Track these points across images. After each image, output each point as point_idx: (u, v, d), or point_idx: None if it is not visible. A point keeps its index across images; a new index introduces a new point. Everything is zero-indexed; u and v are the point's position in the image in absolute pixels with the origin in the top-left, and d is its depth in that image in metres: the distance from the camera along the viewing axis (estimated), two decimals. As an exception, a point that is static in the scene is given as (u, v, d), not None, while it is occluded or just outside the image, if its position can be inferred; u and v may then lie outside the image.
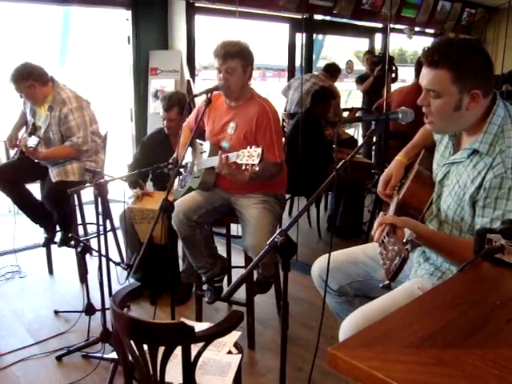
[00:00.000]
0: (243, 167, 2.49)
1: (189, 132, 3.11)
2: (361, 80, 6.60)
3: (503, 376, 0.89)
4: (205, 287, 3.21)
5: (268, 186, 2.99)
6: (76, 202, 3.86)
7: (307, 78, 5.60)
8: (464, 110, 1.70)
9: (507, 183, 1.62)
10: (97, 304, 2.90)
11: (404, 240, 1.41)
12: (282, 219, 3.21)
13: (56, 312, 3.39)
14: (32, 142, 3.47)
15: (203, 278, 3.18)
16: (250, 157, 2.47)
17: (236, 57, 2.80)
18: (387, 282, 1.40)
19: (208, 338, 1.73)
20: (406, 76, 8.45)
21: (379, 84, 6.12)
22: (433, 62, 1.67)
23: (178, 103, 3.52)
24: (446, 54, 1.65)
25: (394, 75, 5.65)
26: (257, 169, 2.45)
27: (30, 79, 3.53)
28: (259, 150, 2.44)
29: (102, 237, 2.72)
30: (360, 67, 8.90)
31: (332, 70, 5.85)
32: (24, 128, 3.94)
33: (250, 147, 2.49)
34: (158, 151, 3.51)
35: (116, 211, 3.70)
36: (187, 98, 3.60)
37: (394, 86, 5.37)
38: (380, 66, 6.04)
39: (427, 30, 7.37)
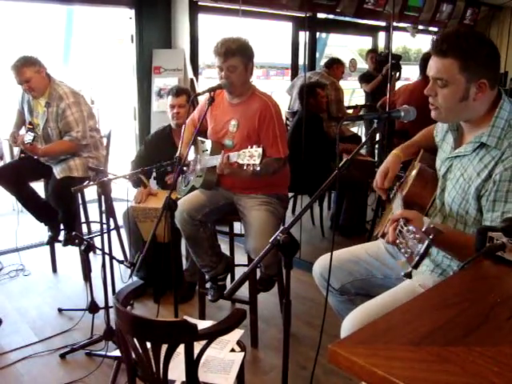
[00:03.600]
0: (244, 167, 2.50)
1: (192, 129, 3.09)
2: (365, 79, 6.55)
3: (503, 373, 0.89)
4: (208, 285, 3.22)
5: (271, 186, 2.99)
6: (80, 201, 3.88)
7: (310, 75, 5.58)
8: (471, 101, 1.71)
9: None
10: (100, 302, 2.91)
11: (423, 229, 1.39)
12: (285, 217, 3.21)
13: (60, 310, 3.40)
14: (28, 138, 3.49)
15: (206, 277, 3.19)
16: (251, 157, 2.47)
17: (237, 54, 2.79)
18: (409, 269, 1.39)
19: (211, 335, 1.74)
20: (409, 74, 8.42)
21: (386, 83, 6.08)
22: (441, 52, 1.69)
23: (187, 92, 3.57)
24: (454, 43, 1.67)
25: (398, 74, 5.63)
26: (258, 169, 2.45)
27: (37, 65, 3.58)
28: (260, 150, 2.44)
29: (105, 235, 2.73)
30: (364, 66, 8.88)
31: (329, 63, 5.79)
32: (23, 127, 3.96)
33: (251, 147, 2.49)
34: (162, 149, 3.52)
35: (119, 210, 3.72)
36: (193, 93, 3.61)
37: (397, 85, 5.36)
38: (389, 65, 6.00)
39: (431, 29, 7.34)
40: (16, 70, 3.55)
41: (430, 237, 1.34)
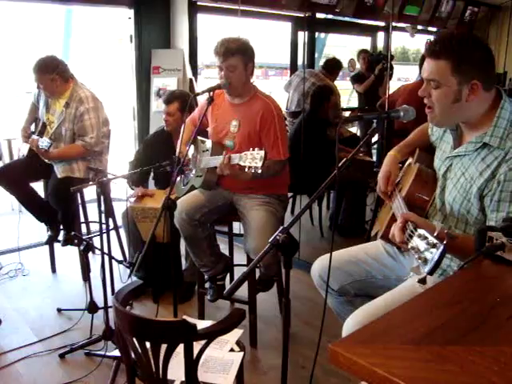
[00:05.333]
0: (246, 169, 2.49)
1: (192, 128, 3.09)
2: (358, 79, 6.55)
3: (503, 372, 0.90)
4: (207, 285, 3.22)
5: (271, 186, 2.99)
6: (79, 201, 3.88)
7: (307, 76, 5.56)
8: (464, 102, 1.72)
9: None
10: (99, 302, 2.90)
11: (435, 234, 1.38)
12: (284, 217, 3.21)
13: (59, 310, 3.40)
14: (44, 143, 3.47)
15: (205, 276, 3.19)
16: (253, 159, 2.46)
17: (236, 54, 2.79)
18: (424, 276, 1.38)
19: (210, 335, 1.74)
20: (408, 74, 8.44)
21: (378, 83, 6.11)
22: (434, 53, 1.71)
23: (179, 99, 3.53)
24: (447, 45, 1.69)
25: (390, 73, 5.65)
26: (259, 171, 2.45)
27: (55, 73, 3.56)
28: (262, 152, 2.44)
29: (104, 235, 2.73)
30: (362, 66, 8.90)
31: (330, 66, 5.79)
32: (34, 123, 3.95)
33: (253, 149, 2.48)
34: (161, 151, 3.51)
35: (118, 210, 3.72)
36: (190, 96, 3.61)
37: (390, 84, 5.37)
38: (381, 65, 6.02)
39: (430, 29, 7.35)
40: (32, 72, 3.57)
41: (444, 242, 1.32)
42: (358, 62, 6.78)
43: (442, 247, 1.29)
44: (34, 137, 3.60)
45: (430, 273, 1.32)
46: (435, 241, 1.33)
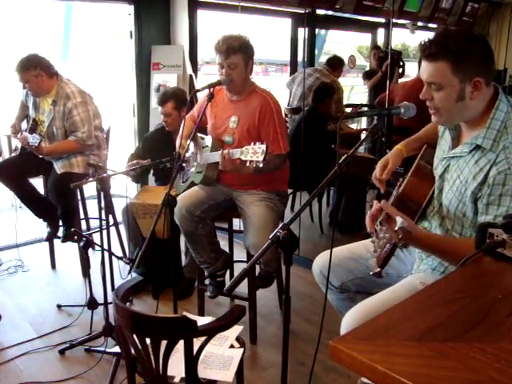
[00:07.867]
0: (247, 163, 2.49)
1: (191, 124, 3.09)
2: (368, 75, 6.56)
3: (504, 369, 0.89)
4: (207, 281, 3.23)
5: (270, 182, 2.99)
6: (79, 197, 3.87)
7: (310, 72, 5.58)
8: (468, 100, 1.68)
9: (511, 179, 1.60)
10: (99, 298, 2.91)
11: (395, 228, 1.43)
12: (284, 214, 3.21)
13: (59, 306, 3.40)
14: (33, 140, 3.46)
15: (205, 273, 3.19)
16: (254, 153, 2.46)
17: (238, 52, 2.78)
18: (378, 269, 1.43)
19: (210, 331, 1.74)
20: (408, 71, 8.41)
21: (387, 79, 6.09)
22: (431, 55, 1.67)
23: (174, 97, 3.52)
24: (444, 45, 1.64)
25: (400, 70, 5.63)
26: (261, 165, 2.45)
27: (38, 68, 3.55)
28: (263, 146, 2.44)
29: (104, 231, 2.73)
30: (362, 62, 8.89)
31: (335, 63, 5.82)
32: (25, 120, 3.94)
33: (254, 143, 2.49)
34: (160, 148, 3.50)
35: (118, 206, 3.72)
36: (186, 93, 3.60)
37: (401, 81, 5.37)
38: (388, 61, 6.01)
39: (430, 25, 7.33)
40: (16, 71, 3.56)
41: (399, 236, 1.39)
42: (368, 58, 6.78)
43: (393, 242, 1.39)
44: (25, 134, 3.59)
45: (382, 266, 1.43)
46: (392, 235, 1.43)
